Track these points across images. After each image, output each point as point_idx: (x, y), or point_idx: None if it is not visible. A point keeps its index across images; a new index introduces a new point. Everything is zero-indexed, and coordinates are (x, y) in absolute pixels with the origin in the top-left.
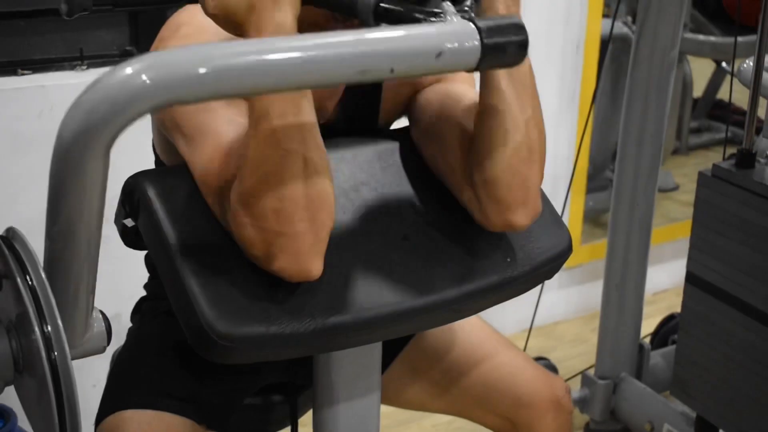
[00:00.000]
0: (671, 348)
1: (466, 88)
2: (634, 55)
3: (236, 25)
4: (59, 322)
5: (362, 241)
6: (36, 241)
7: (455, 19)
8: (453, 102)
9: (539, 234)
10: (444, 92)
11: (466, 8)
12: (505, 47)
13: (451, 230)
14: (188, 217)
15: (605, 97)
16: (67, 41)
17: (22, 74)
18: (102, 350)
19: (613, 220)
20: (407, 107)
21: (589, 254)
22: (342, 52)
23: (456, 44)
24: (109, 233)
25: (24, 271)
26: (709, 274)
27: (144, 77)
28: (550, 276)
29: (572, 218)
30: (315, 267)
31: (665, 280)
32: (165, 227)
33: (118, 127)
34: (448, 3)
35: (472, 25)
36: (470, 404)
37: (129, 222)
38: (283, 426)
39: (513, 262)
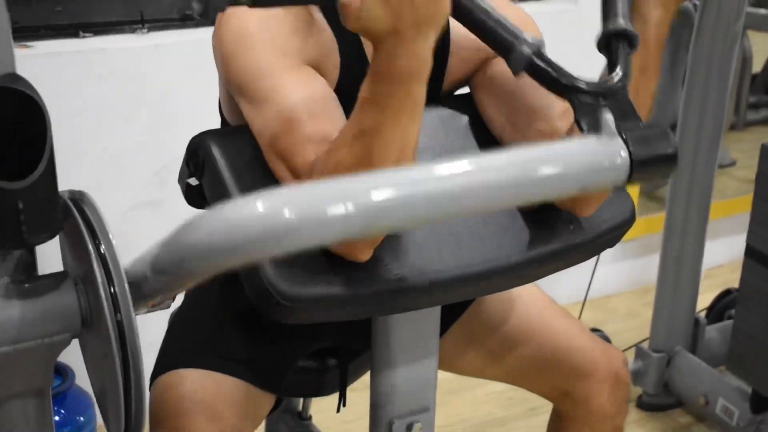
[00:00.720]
0: (727, 323)
1: None
2: (697, 27)
3: (373, 40)
4: (126, 285)
5: None
6: (99, 202)
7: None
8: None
9: (603, 203)
10: None
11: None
12: (655, 163)
13: None
14: (252, 177)
15: (663, 72)
16: (128, 4)
17: (84, 37)
18: (167, 306)
19: (671, 193)
20: (473, 74)
21: (644, 228)
22: (488, 180)
23: (605, 163)
24: (165, 196)
25: (92, 232)
26: None
27: (287, 214)
28: (612, 244)
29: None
30: (364, 256)
31: (721, 256)
32: (229, 186)
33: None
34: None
35: (620, 141)
36: (526, 373)
37: (193, 181)
38: (336, 390)
39: (576, 229)
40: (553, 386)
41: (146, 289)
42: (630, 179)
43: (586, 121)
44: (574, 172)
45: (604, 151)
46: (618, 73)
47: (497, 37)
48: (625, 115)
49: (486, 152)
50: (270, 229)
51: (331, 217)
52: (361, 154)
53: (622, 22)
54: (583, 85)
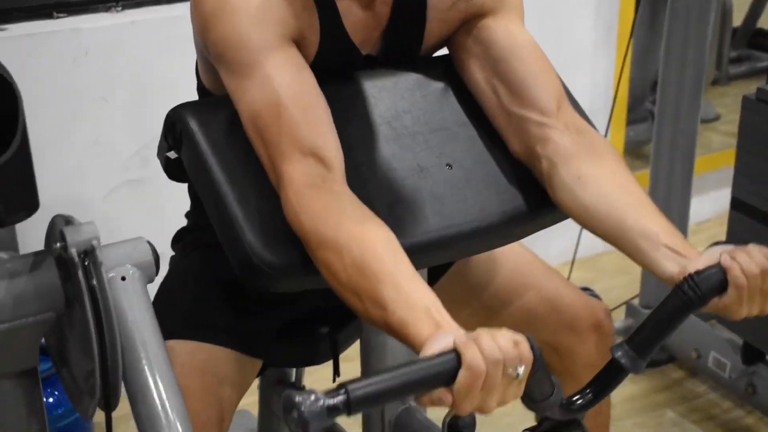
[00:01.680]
0: None
1: (522, 28)
2: None
3: None
4: (99, 255)
5: (406, 168)
6: (72, 186)
7: None
8: (523, 47)
9: None
10: (510, 32)
11: None
12: None
13: (492, 155)
14: (231, 148)
15: (644, 27)
16: None
17: (58, 17)
18: (150, 280)
19: (655, 149)
20: (456, 34)
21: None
22: None
23: None
24: (148, 175)
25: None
26: (755, 199)
27: None
28: None
29: None
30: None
31: (708, 210)
32: (208, 158)
33: None
34: None
35: None
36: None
37: (172, 154)
38: (328, 358)
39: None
40: (540, 342)
41: None
42: None
43: None
44: None
45: None
46: (590, 396)
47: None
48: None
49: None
50: None
51: None
52: (347, 293)
53: (633, 362)
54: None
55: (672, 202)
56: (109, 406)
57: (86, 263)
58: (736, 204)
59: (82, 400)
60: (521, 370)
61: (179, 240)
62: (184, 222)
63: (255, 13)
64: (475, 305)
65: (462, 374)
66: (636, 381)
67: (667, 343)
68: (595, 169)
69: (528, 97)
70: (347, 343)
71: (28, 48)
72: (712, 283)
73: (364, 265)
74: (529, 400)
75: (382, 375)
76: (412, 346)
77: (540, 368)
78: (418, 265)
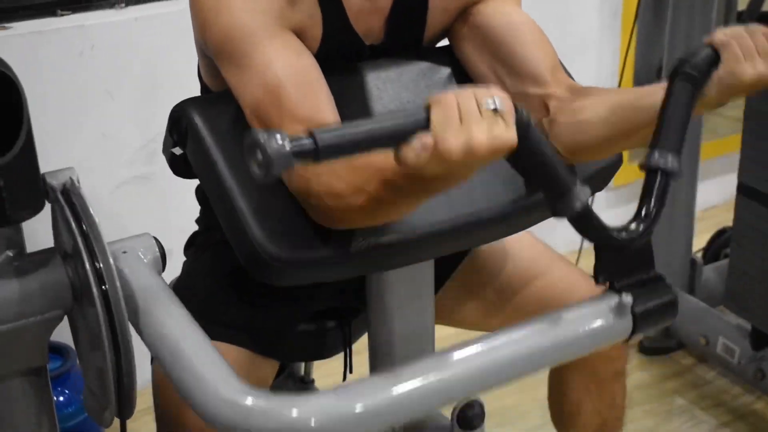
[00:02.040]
0: (723, 262)
1: (518, 8)
2: None
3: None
4: (110, 258)
5: None
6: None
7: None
8: (519, 25)
9: None
10: (504, 14)
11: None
12: (656, 315)
13: None
14: (236, 142)
15: (648, 13)
16: None
17: (62, 15)
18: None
19: None
20: (455, 23)
21: (637, 173)
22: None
23: (611, 325)
24: (154, 170)
25: (74, 211)
26: (762, 184)
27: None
28: (600, 188)
29: None
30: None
31: (714, 196)
32: (213, 153)
33: None
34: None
35: (627, 302)
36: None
37: (177, 150)
38: (338, 351)
39: None
40: None
41: None
42: (633, 335)
43: (602, 273)
44: (583, 338)
45: (610, 315)
46: (649, 215)
47: (553, 180)
48: (641, 265)
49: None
50: None
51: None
52: (368, 208)
53: (669, 160)
54: (616, 242)
55: (678, 188)
56: (123, 413)
57: (69, 197)
58: (742, 189)
59: (97, 407)
60: (497, 101)
61: (191, 245)
62: (190, 218)
63: (253, 4)
64: (489, 295)
65: (434, 110)
66: (645, 368)
67: (676, 330)
68: (588, 97)
69: (525, 71)
70: (357, 335)
71: (33, 45)
72: (703, 55)
73: (355, 163)
74: (545, 196)
75: (353, 123)
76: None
77: (524, 117)
78: (427, 256)
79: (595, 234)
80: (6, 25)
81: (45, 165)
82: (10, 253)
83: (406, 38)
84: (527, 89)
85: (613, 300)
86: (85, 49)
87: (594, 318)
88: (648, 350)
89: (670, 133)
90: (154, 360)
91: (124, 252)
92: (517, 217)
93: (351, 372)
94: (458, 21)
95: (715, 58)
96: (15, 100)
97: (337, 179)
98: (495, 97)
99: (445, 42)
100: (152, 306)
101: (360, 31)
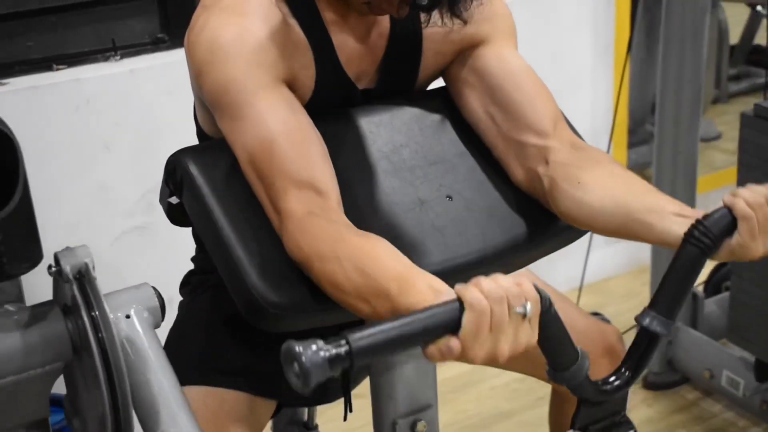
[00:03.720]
0: (725, 295)
1: (516, 53)
2: (667, 1)
3: None
4: (106, 308)
5: (406, 202)
6: (78, 234)
7: None
8: (519, 73)
9: None
10: (503, 59)
11: None
12: None
13: (492, 185)
14: (231, 191)
15: (640, 50)
16: (99, 33)
17: (58, 69)
18: (157, 326)
19: (656, 171)
20: (451, 65)
21: None
22: None
23: None
24: (153, 220)
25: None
26: None
27: None
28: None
29: None
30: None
31: None
32: (209, 202)
33: None
34: None
35: None
36: (523, 359)
37: (174, 199)
38: (339, 396)
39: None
40: None
41: None
42: None
43: (580, 422)
44: None
45: None
46: (632, 372)
47: (559, 356)
48: (615, 410)
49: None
50: None
51: None
52: (363, 312)
53: (662, 325)
54: (601, 397)
55: None
56: None
57: (81, 283)
58: None
59: None
60: (528, 307)
61: (187, 284)
62: (190, 266)
63: (247, 58)
64: None
65: (467, 316)
66: (651, 404)
67: (680, 364)
68: (595, 172)
69: (525, 121)
70: (357, 381)
71: (29, 100)
72: (720, 222)
73: (365, 267)
74: (551, 367)
75: (384, 324)
76: None
77: (549, 310)
78: None
79: (585, 393)
80: (2, 81)
81: (44, 217)
82: (10, 308)
83: (400, 81)
84: (526, 139)
85: None
86: (81, 103)
87: None
88: (653, 385)
89: (668, 300)
90: None
91: (121, 308)
92: (512, 256)
93: (351, 411)
94: (455, 63)
95: (730, 227)
96: (11, 155)
97: (343, 275)
98: (527, 303)
99: (438, 83)
100: (141, 366)
101: (352, 75)
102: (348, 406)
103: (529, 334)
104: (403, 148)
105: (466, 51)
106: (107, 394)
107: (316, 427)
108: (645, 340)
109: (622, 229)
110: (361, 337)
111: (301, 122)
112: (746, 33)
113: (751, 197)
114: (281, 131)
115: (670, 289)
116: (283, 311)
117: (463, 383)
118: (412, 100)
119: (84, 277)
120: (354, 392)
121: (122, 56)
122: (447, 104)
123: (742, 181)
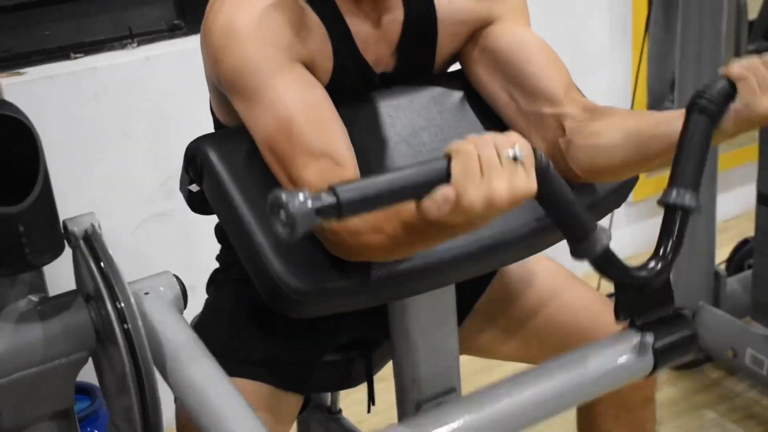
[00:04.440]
0: (747, 273)
1: (527, 28)
2: None
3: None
4: (131, 297)
5: None
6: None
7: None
8: (530, 46)
9: None
10: (514, 35)
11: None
12: (677, 349)
13: None
14: (251, 176)
15: (658, 28)
16: (115, 21)
17: (75, 58)
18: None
19: None
20: (466, 47)
21: (655, 187)
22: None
23: (634, 362)
24: (173, 207)
25: (96, 257)
26: None
27: None
28: (618, 204)
29: None
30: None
31: (735, 207)
32: (230, 188)
33: None
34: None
35: (647, 340)
36: (537, 347)
37: (194, 187)
38: (362, 381)
39: (581, 190)
40: None
41: None
42: (654, 371)
43: (623, 311)
44: (606, 377)
45: (632, 354)
46: (668, 254)
47: (573, 224)
48: (660, 302)
49: None
50: None
51: None
52: (386, 246)
53: (688, 197)
54: (636, 281)
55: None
56: None
57: (89, 242)
58: (762, 198)
59: None
60: (517, 148)
61: (212, 282)
62: (211, 253)
63: (264, 39)
64: (507, 322)
65: (454, 162)
66: (674, 383)
67: (703, 343)
68: (605, 120)
69: (539, 91)
70: (380, 365)
71: (47, 90)
72: (720, 88)
73: (404, 219)
74: (568, 240)
75: (373, 177)
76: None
77: (546, 166)
78: (447, 281)
79: (615, 274)
80: (20, 71)
81: (63, 208)
82: (33, 298)
83: (417, 65)
84: (541, 109)
85: (634, 338)
86: (99, 91)
87: (616, 357)
88: (676, 365)
89: (687, 169)
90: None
91: (146, 293)
92: (535, 238)
93: (374, 403)
94: (469, 44)
95: (731, 91)
96: (31, 146)
97: (381, 236)
98: (515, 145)
99: (456, 66)
100: (175, 348)
101: (370, 60)
102: (371, 399)
103: (525, 179)
104: (422, 131)
105: (479, 31)
106: (134, 386)
107: (339, 411)
108: (675, 219)
109: (642, 152)
110: (349, 189)
111: (319, 98)
112: (765, 8)
113: (744, 63)
114: (300, 108)
115: (687, 161)
116: (305, 296)
117: (487, 365)
118: (431, 83)
119: (91, 237)
120: (377, 376)
121: (139, 44)
122: (465, 86)
123: (764, 159)
